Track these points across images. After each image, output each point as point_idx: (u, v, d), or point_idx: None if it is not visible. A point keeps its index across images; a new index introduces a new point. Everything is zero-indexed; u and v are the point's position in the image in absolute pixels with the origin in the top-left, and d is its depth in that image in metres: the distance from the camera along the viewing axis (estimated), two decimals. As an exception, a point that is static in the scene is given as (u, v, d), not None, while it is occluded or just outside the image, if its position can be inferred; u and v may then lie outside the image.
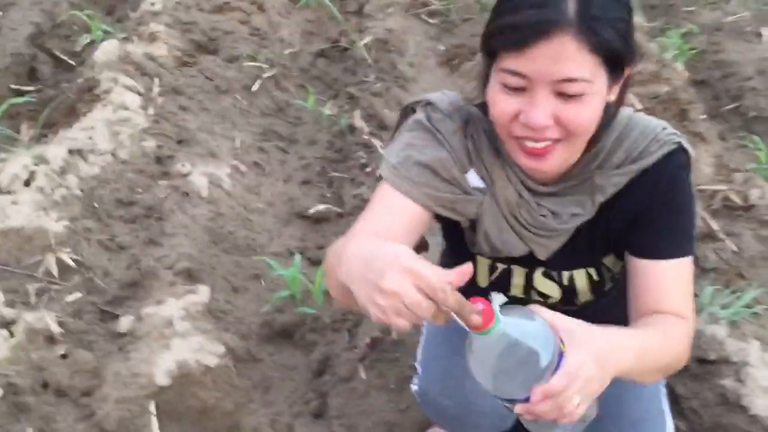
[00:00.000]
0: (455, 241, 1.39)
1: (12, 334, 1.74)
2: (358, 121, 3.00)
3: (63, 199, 2.18)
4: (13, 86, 3.02)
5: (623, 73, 1.15)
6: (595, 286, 1.37)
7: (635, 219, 1.26)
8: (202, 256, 2.23)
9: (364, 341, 2.05)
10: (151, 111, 2.72)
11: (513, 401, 0.96)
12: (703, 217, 2.59)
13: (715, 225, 2.57)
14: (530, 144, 1.12)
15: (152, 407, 1.75)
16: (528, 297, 1.40)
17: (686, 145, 1.25)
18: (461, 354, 1.41)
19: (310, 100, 3.21)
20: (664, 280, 1.24)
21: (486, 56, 1.15)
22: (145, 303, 1.99)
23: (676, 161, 1.23)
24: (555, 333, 0.96)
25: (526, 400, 0.94)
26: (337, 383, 2.00)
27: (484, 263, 1.37)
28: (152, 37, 3.14)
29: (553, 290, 1.38)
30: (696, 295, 2.24)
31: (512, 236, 1.29)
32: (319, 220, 2.67)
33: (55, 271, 1.98)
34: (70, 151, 2.34)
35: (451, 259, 1.51)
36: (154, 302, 1.98)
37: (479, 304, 0.89)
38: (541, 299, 1.39)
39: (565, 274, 1.36)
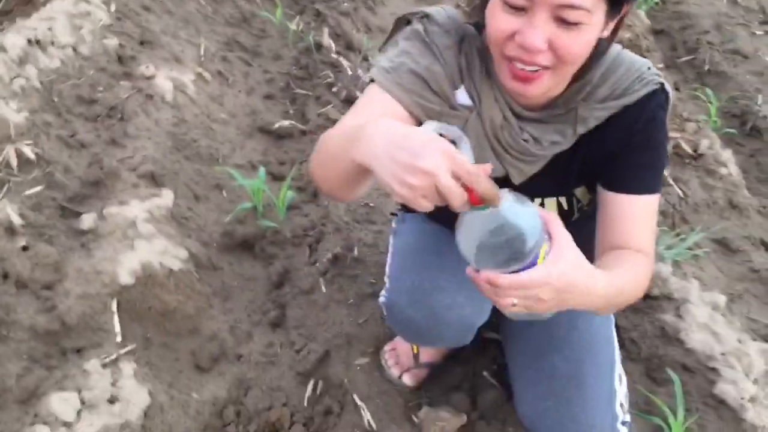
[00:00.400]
0: None
1: (-29, 223, 1.70)
2: (326, 39, 2.95)
3: (22, 89, 2.09)
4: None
5: (621, 10, 1.16)
6: (563, 215, 1.41)
7: (612, 153, 1.29)
8: (165, 161, 2.20)
9: (326, 256, 2.08)
10: (113, 7, 2.61)
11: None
12: (654, 162, 2.68)
13: (665, 171, 2.67)
14: (520, 66, 1.14)
15: (114, 305, 1.75)
16: None
17: (667, 86, 1.28)
18: (431, 269, 1.45)
19: (278, 12, 3.13)
20: (633, 216, 1.29)
21: None
22: (107, 203, 1.96)
23: (657, 101, 1.27)
24: (544, 229, 1.00)
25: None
26: (297, 295, 2.03)
27: None
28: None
29: None
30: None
31: (491, 157, 1.32)
32: (282, 135, 2.65)
33: (14, 162, 1.92)
34: (29, 41, 2.24)
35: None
36: (117, 202, 1.95)
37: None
38: None
39: (537, 201, 1.40)
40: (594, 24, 1.11)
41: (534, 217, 0.98)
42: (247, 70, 2.92)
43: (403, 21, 1.34)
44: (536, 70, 1.14)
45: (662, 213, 2.50)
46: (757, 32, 3.90)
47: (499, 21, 1.12)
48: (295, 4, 3.43)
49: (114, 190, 2.01)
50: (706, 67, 3.63)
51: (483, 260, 0.99)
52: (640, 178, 1.30)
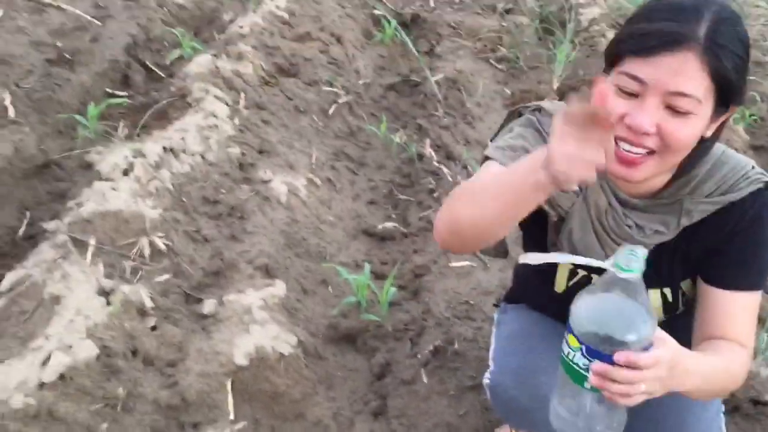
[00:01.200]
0: (535, 239, 1.48)
1: (109, 303, 1.88)
2: (428, 149, 3.14)
3: (156, 190, 2.34)
4: (108, 90, 3.23)
5: (727, 110, 1.22)
6: (668, 307, 1.45)
7: (715, 248, 1.34)
8: (278, 256, 2.37)
9: (428, 348, 2.14)
10: (237, 121, 2.90)
11: (596, 355, 1.05)
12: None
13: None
14: (626, 148, 1.19)
15: (229, 385, 1.87)
16: None
17: None
18: (536, 351, 1.50)
19: (382, 126, 3.37)
20: (732, 310, 1.33)
21: (607, 64, 1.24)
22: (226, 291, 2.13)
23: (762, 199, 1.32)
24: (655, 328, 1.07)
25: (609, 360, 1.03)
26: (398, 386, 2.09)
27: (564, 268, 1.47)
28: (240, 56, 3.34)
29: None
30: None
31: (594, 240, 1.38)
32: (384, 237, 2.79)
33: (147, 252, 2.12)
34: (165, 149, 2.52)
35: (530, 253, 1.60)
36: (235, 291, 2.11)
37: None
38: None
39: None
40: (701, 116, 1.18)
41: (648, 319, 1.05)
42: (353, 178, 3.13)
43: (516, 113, 1.45)
44: (641, 155, 1.20)
45: (770, 319, 2.44)
46: None
47: (611, 104, 1.17)
48: (398, 120, 3.67)
49: (232, 280, 2.18)
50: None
51: (601, 327, 1.05)
52: (742, 275, 1.34)
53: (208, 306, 2.06)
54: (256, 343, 1.93)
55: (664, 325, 1.45)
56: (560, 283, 1.49)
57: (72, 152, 2.70)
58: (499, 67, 4.25)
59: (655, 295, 1.43)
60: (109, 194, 2.23)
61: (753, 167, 1.34)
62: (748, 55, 1.18)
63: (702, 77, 1.13)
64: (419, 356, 2.15)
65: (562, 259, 1.22)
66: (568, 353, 1.09)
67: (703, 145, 1.25)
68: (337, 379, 2.19)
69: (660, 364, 1.06)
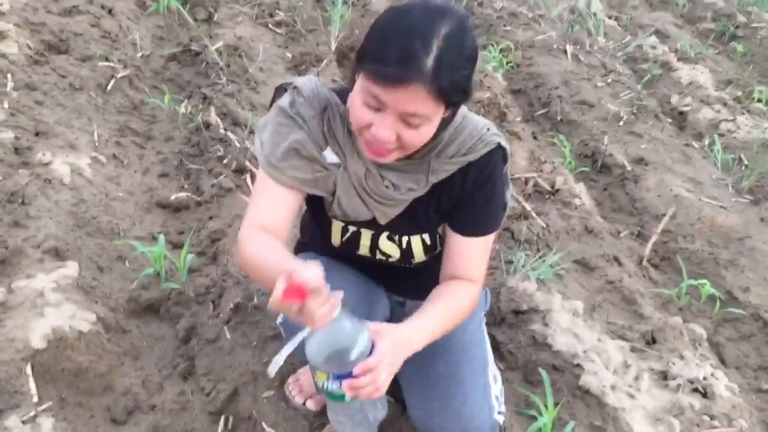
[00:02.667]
0: (315, 207, 1.68)
1: None
2: (214, 117, 3.19)
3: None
4: None
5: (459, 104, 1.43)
6: (427, 248, 1.70)
7: (459, 201, 1.58)
8: (68, 237, 2.34)
9: (229, 307, 2.26)
10: (6, 105, 2.77)
11: (341, 377, 1.32)
12: (518, 200, 3.04)
13: (527, 206, 3.03)
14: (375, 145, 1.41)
15: (29, 368, 1.87)
16: (373, 256, 1.71)
17: (504, 143, 1.56)
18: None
19: (166, 98, 3.36)
20: (468, 251, 1.61)
21: (356, 62, 1.38)
22: (15, 278, 2.09)
23: (495, 157, 1.55)
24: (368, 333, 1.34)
25: (351, 375, 1.30)
26: (204, 345, 2.19)
27: (338, 225, 1.67)
28: (2, 35, 3.16)
29: (393, 251, 1.69)
30: (511, 261, 2.66)
31: (359, 203, 1.58)
32: (179, 208, 2.84)
33: None
34: (-74, 140, 2.37)
35: (312, 221, 1.79)
36: (25, 276, 2.08)
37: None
38: (384, 258, 1.70)
39: (404, 239, 1.67)
40: (434, 122, 1.37)
41: (353, 326, 1.31)
42: (141, 153, 3.11)
43: (281, 89, 1.60)
44: (388, 150, 1.40)
45: (527, 241, 2.83)
46: (599, 84, 4.43)
47: (359, 113, 1.37)
48: (182, 90, 3.67)
49: (20, 266, 2.14)
50: (559, 118, 4.10)
51: (331, 366, 1.32)
52: (479, 224, 1.61)
53: (-4, 295, 2.02)
54: (52, 324, 1.94)
55: (427, 262, 1.72)
56: (336, 238, 1.69)
57: None
58: (279, 31, 4.36)
59: (416, 240, 1.67)
60: None
61: (488, 129, 1.55)
62: (474, 65, 1.35)
63: (429, 102, 1.30)
64: (221, 315, 2.26)
65: (290, 347, 1.39)
66: (323, 385, 1.36)
67: (444, 122, 1.43)
68: (144, 349, 2.24)
69: (386, 355, 1.33)
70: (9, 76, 2.94)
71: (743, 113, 4.43)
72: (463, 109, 1.55)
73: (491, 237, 1.63)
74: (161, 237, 2.45)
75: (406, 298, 1.91)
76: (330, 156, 1.55)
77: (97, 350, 2.02)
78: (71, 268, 2.18)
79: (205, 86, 3.59)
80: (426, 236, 1.67)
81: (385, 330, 1.37)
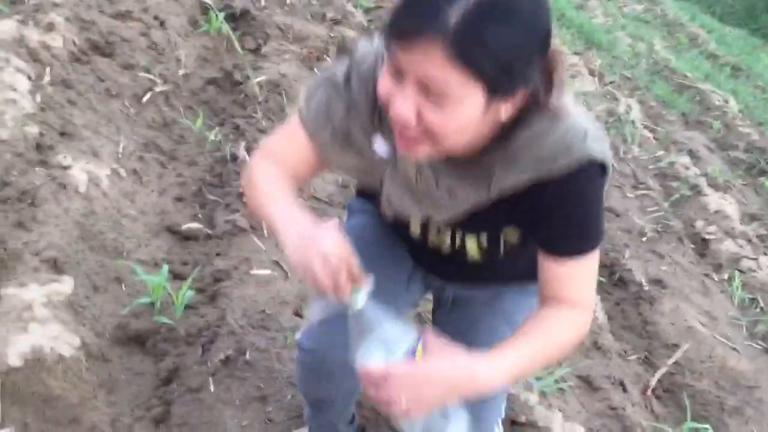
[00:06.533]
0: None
1: None
2: (242, 152, 3.12)
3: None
4: None
5: (513, 94, 1.15)
6: (484, 251, 1.46)
7: (539, 217, 1.31)
8: (69, 249, 2.25)
9: (219, 357, 2.14)
10: (38, 98, 2.70)
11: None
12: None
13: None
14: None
15: (-1, 387, 1.75)
16: (425, 244, 1.53)
17: (601, 156, 1.24)
18: None
19: (198, 121, 3.30)
20: (565, 275, 1.33)
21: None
22: (6, 284, 1.98)
23: (588, 173, 1.25)
24: (416, 339, 1.19)
25: None
26: (184, 393, 2.07)
27: (416, 222, 1.50)
28: (50, 26, 3.12)
29: (443, 245, 1.50)
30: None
31: (411, 204, 1.41)
32: (188, 237, 2.75)
33: None
34: (-51, 120, 2.29)
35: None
36: (17, 284, 1.98)
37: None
38: (435, 246, 1.52)
39: (458, 234, 1.45)
40: (465, 104, 1.11)
41: (397, 325, 1.18)
42: (161, 172, 3.03)
43: (348, 50, 1.49)
44: (416, 135, 1.18)
45: (534, 347, 2.72)
46: (629, 195, 4.37)
47: (381, 83, 1.18)
48: (215, 116, 3.61)
49: (14, 272, 2.04)
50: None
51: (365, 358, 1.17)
52: (572, 244, 1.32)
53: (-17, 299, 1.92)
54: (33, 343, 1.83)
55: (485, 266, 1.51)
56: (414, 230, 1.53)
57: None
58: (323, 76, 4.32)
59: (471, 239, 1.45)
60: None
61: (586, 135, 1.23)
62: (526, 41, 1.10)
63: (449, 64, 1.07)
64: (209, 364, 2.14)
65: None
66: None
67: (502, 129, 1.22)
68: (121, 383, 2.12)
69: (410, 378, 1.15)
70: (48, 69, 2.88)
71: (766, 254, 4.37)
72: (567, 106, 1.23)
73: (593, 257, 1.34)
74: (165, 267, 2.35)
75: (448, 282, 1.70)
76: (379, 146, 1.36)
77: (74, 378, 1.90)
78: (66, 284, 2.07)
79: (239, 117, 3.52)
80: (483, 238, 1.44)
81: (442, 353, 1.19)
